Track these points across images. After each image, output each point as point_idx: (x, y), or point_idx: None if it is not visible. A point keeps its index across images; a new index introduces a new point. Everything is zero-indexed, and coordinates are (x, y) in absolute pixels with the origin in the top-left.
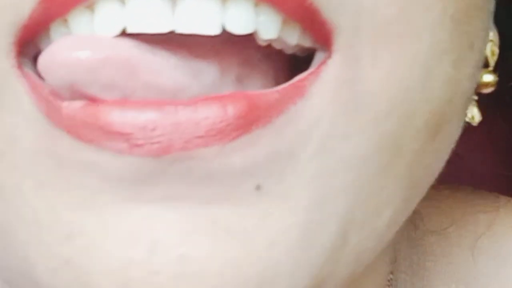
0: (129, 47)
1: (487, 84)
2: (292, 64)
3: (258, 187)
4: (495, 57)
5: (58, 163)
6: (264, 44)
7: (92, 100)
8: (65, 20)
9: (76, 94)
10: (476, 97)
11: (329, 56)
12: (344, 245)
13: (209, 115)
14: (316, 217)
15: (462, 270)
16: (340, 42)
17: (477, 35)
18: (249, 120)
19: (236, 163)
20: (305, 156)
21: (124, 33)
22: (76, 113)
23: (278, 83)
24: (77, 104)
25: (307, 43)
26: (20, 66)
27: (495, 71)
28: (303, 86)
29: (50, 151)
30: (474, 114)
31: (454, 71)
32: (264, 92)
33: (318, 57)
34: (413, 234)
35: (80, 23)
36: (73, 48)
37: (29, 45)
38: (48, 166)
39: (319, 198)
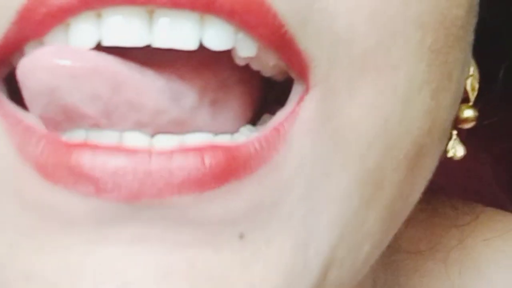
0: (118, 62)
1: (467, 119)
2: (269, 87)
3: (241, 235)
4: (475, 92)
5: (22, 202)
6: (242, 63)
7: (69, 115)
8: (41, 37)
9: (53, 105)
10: (456, 132)
11: (306, 91)
12: (323, 282)
13: (184, 165)
14: (299, 260)
15: (435, 283)
16: (317, 75)
17: (456, 66)
18: (228, 172)
19: (216, 212)
20: (288, 203)
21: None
22: (47, 151)
23: (253, 106)
24: (49, 143)
25: (284, 65)
26: None
27: (475, 106)
28: (283, 130)
29: (15, 188)
30: (456, 149)
31: (432, 102)
32: (243, 143)
33: (295, 91)
34: (385, 251)
35: (55, 36)
36: (59, 56)
37: (1, 66)
38: (11, 204)
39: (302, 241)
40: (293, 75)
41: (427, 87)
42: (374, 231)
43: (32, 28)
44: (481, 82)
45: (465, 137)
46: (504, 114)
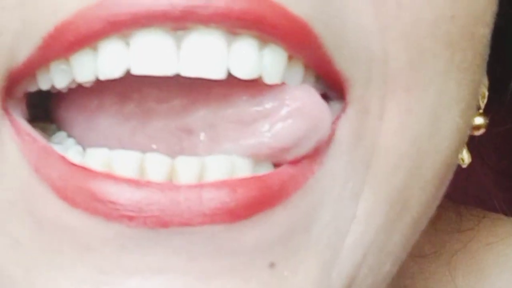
0: None
1: (478, 127)
2: None
3: (272, 265)
4: (485, 100)
5: (36, 222)
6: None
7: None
8: (67, 59)
9: None
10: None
11: (343, 110)
12: None
13: (216, 196)
14: (324, 284)
15: (440, 285)
16: (353, 94)
17: (480, 82)
18: (261, 202)
19: (248, 240)
20: (318, 227)
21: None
22: (65, 173)
23: None
24: (67, 165)
25: (310, 84)
26: (6, 109)
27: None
28: (320, 151)
29: (30, 207)
30: (464, 157)
31: (461, 121)
32: (276, 171)
33: (331, 109)
34: None
35: (82, 62)
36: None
37: (19, 86)
38: (25, 224)
39: (327, 263)
40: (331, 94)
41: (456, 106)
42: (396, 250)
43: (57, 52)
44: (490, 90)
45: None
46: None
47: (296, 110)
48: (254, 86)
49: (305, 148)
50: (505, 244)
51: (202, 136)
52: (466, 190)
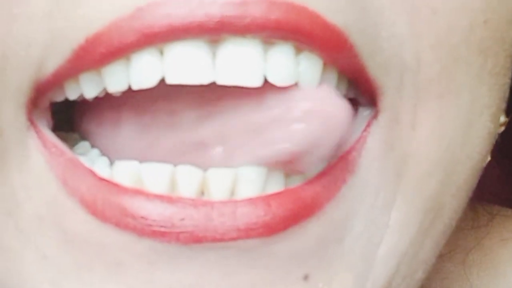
0: None
1: (500, 125)
2: None
3: (306, 277)
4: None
5: (65, 237)
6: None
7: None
8: (98, 70)
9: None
10: None
11: (375, 116)
12: None
13: (249, 211)
14: None
15: (456, 284)
16: (385, 101)
17: (509, 85)
18: (296, 214)
19: (282, 252)
20: (351, 237)
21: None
22: (94, 187)
23: None
24: (96, 180)
25: (342, 90)
26: (32, 120)
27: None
28: (351, 159)
29: (58, 221)
30: None
31: (492, 125)
32: (309, 182)
33: (361, 116)
34: None
35: (114, 72)
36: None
37: (45, 96)
38: (53, 238)
39: (361, 275)
40: (362, 100)
41: (487, 111)
42: (428, 258)
43: (89, 64)
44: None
45: None
46: None
47: (308, 111)
48: (262, 93)
49: (329, 147)
50: None
51: (219, 149)
52: (481, 186)
